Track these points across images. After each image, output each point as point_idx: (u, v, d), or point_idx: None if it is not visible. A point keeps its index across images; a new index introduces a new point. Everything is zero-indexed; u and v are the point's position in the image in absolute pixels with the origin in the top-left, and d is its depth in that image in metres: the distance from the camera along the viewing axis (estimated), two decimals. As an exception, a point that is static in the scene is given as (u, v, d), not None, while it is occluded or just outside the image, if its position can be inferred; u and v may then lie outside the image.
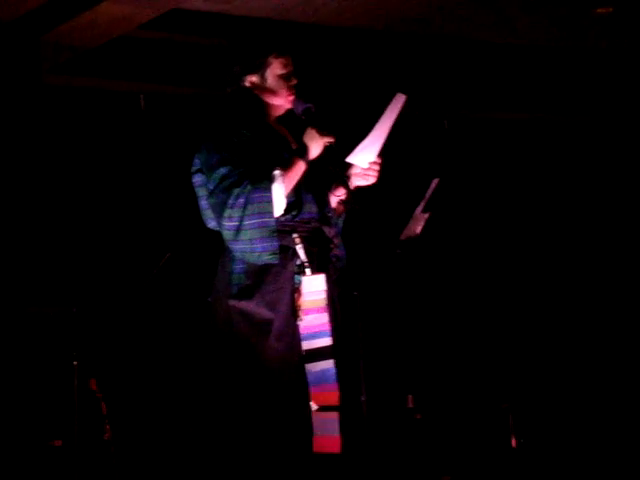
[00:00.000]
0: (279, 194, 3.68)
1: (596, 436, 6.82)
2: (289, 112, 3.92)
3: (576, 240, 8.10)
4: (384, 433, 6.19)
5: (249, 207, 3.64)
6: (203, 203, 3.85)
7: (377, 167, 3.90)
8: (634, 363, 7.43)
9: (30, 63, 6.67)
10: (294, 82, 3.86)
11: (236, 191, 3.65)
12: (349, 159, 3.85)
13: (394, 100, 3.84)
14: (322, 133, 3.75)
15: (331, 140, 3.76)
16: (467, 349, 7.19)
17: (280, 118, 3.93)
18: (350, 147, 3.92)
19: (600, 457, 6.57)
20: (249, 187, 3.64)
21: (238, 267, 3.73)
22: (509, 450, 6.17)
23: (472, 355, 7.17)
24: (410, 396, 6.24)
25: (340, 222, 3.99)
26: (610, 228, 8.10)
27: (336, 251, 3.88)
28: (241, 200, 3.64)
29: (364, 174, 3.89)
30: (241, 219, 3.65)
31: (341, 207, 3.97)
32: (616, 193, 8.18)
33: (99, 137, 7.11)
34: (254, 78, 3.85)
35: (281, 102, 3.88)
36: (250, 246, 3.67)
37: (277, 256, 3.68)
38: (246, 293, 3.71)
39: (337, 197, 3.94)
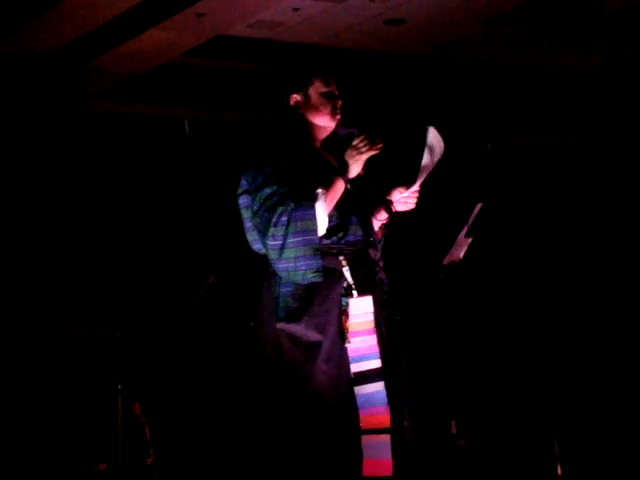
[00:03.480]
0: (322, 212, 3.70)
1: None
2: (334, 137, 3.93)
3: (625, 267, 8.02)
4: (427, 459, 6.15)
5: (292, 225, 3.66)
6: (248, 225, 3.87)
7: (417, 194, 3.91)
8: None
9: (76, 90, 6.75)
10: (338, 102, 3.88)
11: (279, 209, 3.67)
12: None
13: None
14: (360, 150, 3.75)
15: (373, 153, 3.75)
16: (512, 374, 7.13)
17: (325, 142, 3.94)
18: (391, 172, 3.93)
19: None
20: (292, 205, 3.67)
21: (285, 290, 3.74)
22: (554, 478, 6.10)
23: (517, 380, 7.11)
24: (454, 421, 6.19)
25: (379, 246, 3.99)
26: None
27: (381, 274, 3.88)
28: (284, 218, 3.66)
29: (404, 200, 3.90)
30: (285, 237, 3.67)
31: (381, 231, 3.98)
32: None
33: (144, 162, 7.17)
34: (298, 97, 3.88)
35: (326, 122, 3.90)
36: (294, 264, 3.68)
37: (321, 274, 3.68)
38: (294, 316, 3.71)
39: (379, 221, 3.94)
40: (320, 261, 3.68)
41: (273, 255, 3.71)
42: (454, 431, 6.20)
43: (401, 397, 3.76)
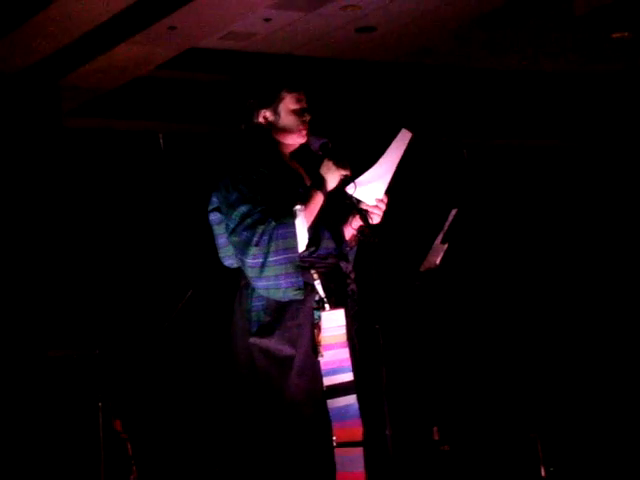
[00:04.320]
0: (302, 229, 3.70)
1: (626, 463, 6.75)
2: (302, 148, 3.92)
3: (601, 270, 8.04)
4: (410, 467, 6.15)
5: (273, 244, 3.65)
6: (221, 241, 3.86)
7: (383, 206, 3.86)
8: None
9: (49, 106, 6.73)
10: (307, 118, 3.86)
11: (260, 228, 3.65)
12: (355, 194, 3.82)
13: (400, 136, 3.82)
14: (338, 165, 3.76)
15: (347, 173, 3.76)
16: (493, 378, 7.14)
17: (293, 154, 3.92)
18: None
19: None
20: (273, 224, 3.65)
21: (256, 304, 3.73)
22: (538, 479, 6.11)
23: (498, 384, 7.12)
24: (435, 428, 6.20)
25: (351, 257, 3.98)
26: None
27: (353, 286, 3.88)
28: (265, 237, 3.64)
29: (370, 212, 3.85)
30: (266, 256, 3.65)
31: (355, 240, 3.96)
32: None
33: (120, 178, 7.15)
34: (267, 113, 3.85)
35: (293, 140, 3.88)
36: (275, 282, 3.66)
37: (302, 292, 3.68)
38: (266, 330, 3.71)
39: (353, 229, 3.92)
40: (301, 278, 3.67)
41: (253, 273, 3.69)
42: (436, 437, 6.21)
43: (381, 407, 3.75)
